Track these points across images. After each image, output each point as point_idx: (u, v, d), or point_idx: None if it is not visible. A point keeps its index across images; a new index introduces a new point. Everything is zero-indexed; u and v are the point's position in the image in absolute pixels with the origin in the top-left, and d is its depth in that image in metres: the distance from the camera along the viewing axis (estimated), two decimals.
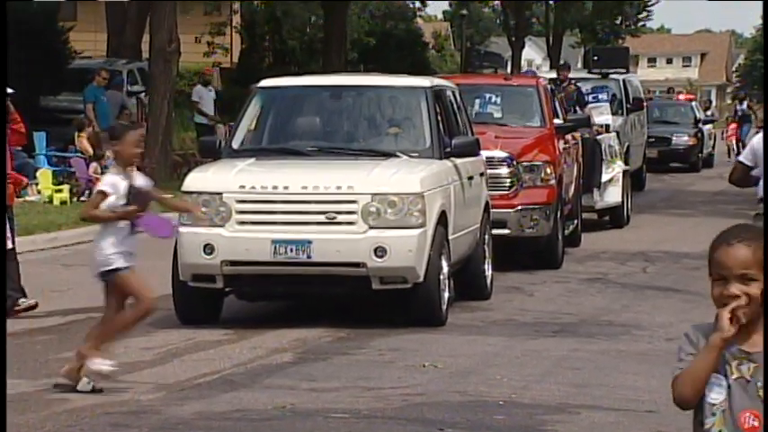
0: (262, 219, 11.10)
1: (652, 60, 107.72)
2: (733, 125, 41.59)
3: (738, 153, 40.53)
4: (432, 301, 11.23)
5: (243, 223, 11.08)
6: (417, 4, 46.44)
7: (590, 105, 21.40)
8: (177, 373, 9.41)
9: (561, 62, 25.56)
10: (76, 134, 23.86)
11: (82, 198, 21.71)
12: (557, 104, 17.47)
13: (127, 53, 30.38)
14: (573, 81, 21.76)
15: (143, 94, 26.85)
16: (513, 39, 50.18)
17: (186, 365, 9.72)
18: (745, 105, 40.72)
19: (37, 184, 21.71)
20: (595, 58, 25.86)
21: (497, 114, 16.76)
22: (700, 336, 3.56)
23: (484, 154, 13.65)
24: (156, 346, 10.49)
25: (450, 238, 11.66)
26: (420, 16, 52.96)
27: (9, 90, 11.98)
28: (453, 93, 13.36)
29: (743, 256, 3.47)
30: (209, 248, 11.01)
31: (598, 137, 19.77)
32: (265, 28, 39.65)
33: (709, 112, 44.45)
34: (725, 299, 3.48)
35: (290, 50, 39.48)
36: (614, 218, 20.52)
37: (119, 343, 10.66)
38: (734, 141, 40.70)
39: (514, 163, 15.24)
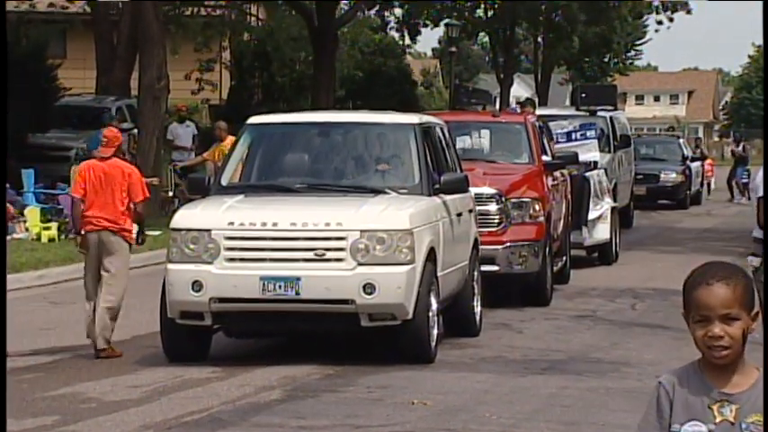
0: (250, 255, 11.08)
1: (640, 98, 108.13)
2: (708, 161, 42.39)
3: (709, 191, 40.98)
4: (421, 337, 11.20)
5: (231, 260, 11.06)
6: (407, 42, 46.62)
7: (577, 142, 21.43)
8: (164, 411, 9.36)
9: (524, 98, 25.47)
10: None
11: (70, 236, 21.65)
12: (545, 141, 17.51)
13: (116, 90, 30.41)
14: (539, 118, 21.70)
15: (135, 131, 26.86)
16: (502, 76, 50.37)
17: (174, 403, 9.68)
18: (741, 147, 40.95)
19: (25, 222, 21.66)
20: (583, 95, 25.93)
21: (486, 151, 16.77)
22: (675, 383, 3.48)
23: (472, 191, 13.66)
24: (143, 384, 10.44)
25: (439, 274, 11.64)
26: (409, 53, 53.17)
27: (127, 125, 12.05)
28: (442, 129, 13.38)
29: (724, 296, 3.40)
30: (197, 285, 10.98)
31: (586, 174, 19.80)
32: (255, 64, 39.73)
33: (701, 149, 44.67)
34: (709, 340, 3.41)
35: (279, 87, 39.55)
36: (603, 255, 20.53)
37: (106, 381, 10.63)
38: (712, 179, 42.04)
39: (503, 200, 15.25)
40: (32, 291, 16.72)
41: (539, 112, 22.97)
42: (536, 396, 10.06)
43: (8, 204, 15.33)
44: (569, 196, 18.09)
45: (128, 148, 26.37)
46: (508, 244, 15.09)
